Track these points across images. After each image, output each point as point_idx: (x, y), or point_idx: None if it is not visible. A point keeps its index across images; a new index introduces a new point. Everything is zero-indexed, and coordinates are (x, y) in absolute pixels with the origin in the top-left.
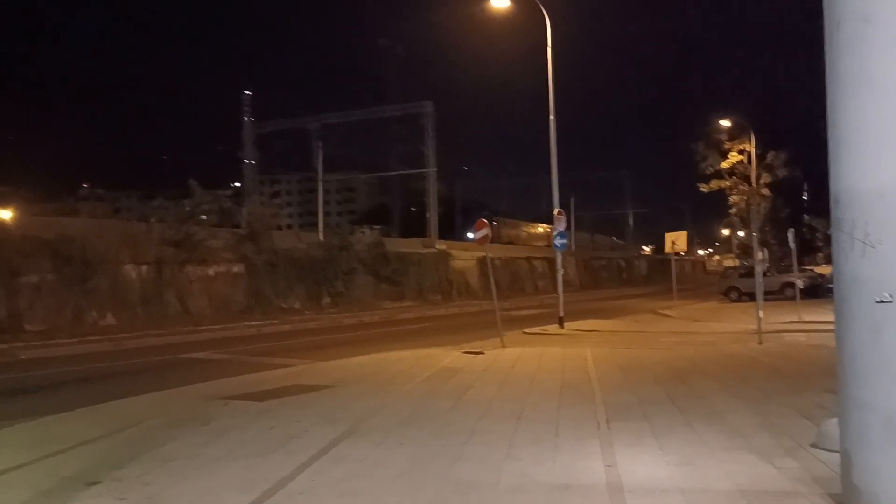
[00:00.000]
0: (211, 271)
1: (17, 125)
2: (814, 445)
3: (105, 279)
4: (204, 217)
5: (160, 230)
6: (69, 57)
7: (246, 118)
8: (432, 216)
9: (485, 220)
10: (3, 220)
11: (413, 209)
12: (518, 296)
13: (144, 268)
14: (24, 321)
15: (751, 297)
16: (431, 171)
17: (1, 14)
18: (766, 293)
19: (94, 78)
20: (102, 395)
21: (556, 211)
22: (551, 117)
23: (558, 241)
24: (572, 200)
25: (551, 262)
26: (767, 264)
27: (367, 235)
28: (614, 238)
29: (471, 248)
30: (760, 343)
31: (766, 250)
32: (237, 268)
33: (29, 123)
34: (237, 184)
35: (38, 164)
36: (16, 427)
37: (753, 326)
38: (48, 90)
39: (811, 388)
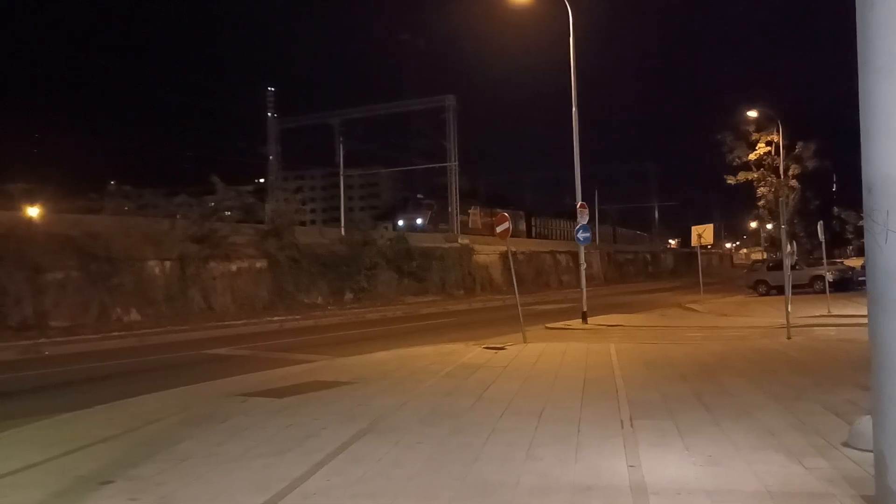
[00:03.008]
0: (234, 267)
1: (43, 123)
2: (846, 444)
3: (129, 276)
4: (227, 213)
5: (184, 227)
6: (94, 55)
7: (269, 114)
8: (454, 210)
9: (506, 214)
10: (30, 217)
11: (435, 204)
12: (542, 290)
13: (168, 264)
14: (49, 318)
15: (779, 290)
16: (453, 164)
17: (26, 14)
18: (795, 286)
19: (119, 76)
20: (123, 392)
21: (578, 204)
22: (574, 109)
23: (581, 235)
24: (596, 193)
25: (575, 256)
26: (796, 257)
27: (389, 230)
28: (616, 227)
29: (493, 243)
30: (789, 338)
31: (794, 243)
32: (260, 263)
33: (54, 121)
34: (260, 180)
35: (63, 162)
36: (34, 425)
37: (782, 321)
38: (74, 88)
39: (842, 384)
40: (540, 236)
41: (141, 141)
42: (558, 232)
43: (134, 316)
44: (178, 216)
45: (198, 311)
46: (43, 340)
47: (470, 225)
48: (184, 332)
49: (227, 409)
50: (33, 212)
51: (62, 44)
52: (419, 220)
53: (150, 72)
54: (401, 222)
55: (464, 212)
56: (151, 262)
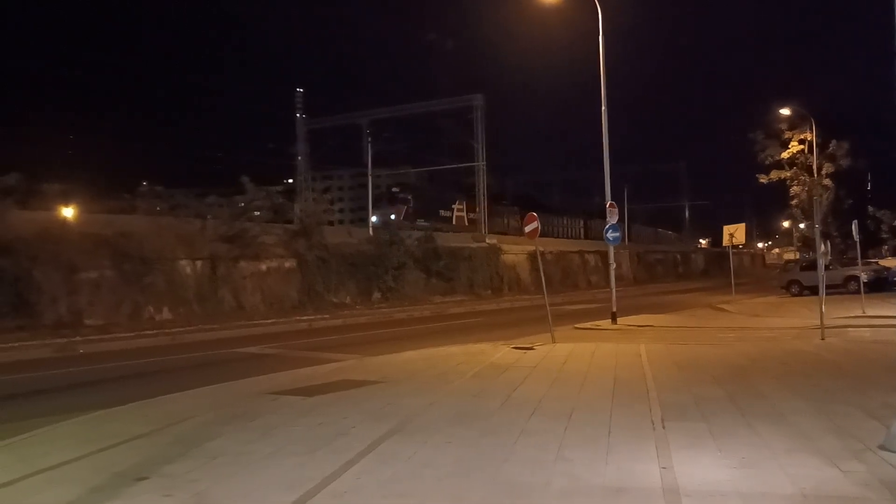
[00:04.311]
0: (263, 267)
1: (77, 125)
2: (882, 448)
3: (161, 275)
4: (257, 213)
5: (214, 227)
6: (125, 57)
7: (298, 115)
8: (482, 210)
9: (534, 214)
10: (64, 217)
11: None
12: (570, 290)
13: (199, 264)
14: (83, 316)
15: (813, 291)
16: (481, 164)
17: (58, 17)
18: (829, 287)
19: (150, 78)
20: (156, 390)
21: (608, 204)
22: (603, 108)
23: (610, 235)
24: (626, 193)
25: (604, 255)
26: (830, 257)
27: (417, 230)
28: (632, 224)
29: (521, 243)
30: (823, 339)
31: (828, 243)
32: (289, 263)
33: (88, 123)
34: (289, 180)
35: (96, 163)
36: (71, 421)
37: (816, 321)
38: (106, 90)
39: (878, 386)
40: (541, 234)
41: (171, 142)
42: (561, 230)
43: (166, 315)
44: (208, 216)
45: (228, 311)
46: (77, 338)
47: (454, 222)
48: (214, 331)
49: (257, 407)
50: (68, 212)
51: (93, 46)
52: (392, 217)
53: (181, 73)
54: (374, 218)
55: (447, 207)
56: (183, 262)
